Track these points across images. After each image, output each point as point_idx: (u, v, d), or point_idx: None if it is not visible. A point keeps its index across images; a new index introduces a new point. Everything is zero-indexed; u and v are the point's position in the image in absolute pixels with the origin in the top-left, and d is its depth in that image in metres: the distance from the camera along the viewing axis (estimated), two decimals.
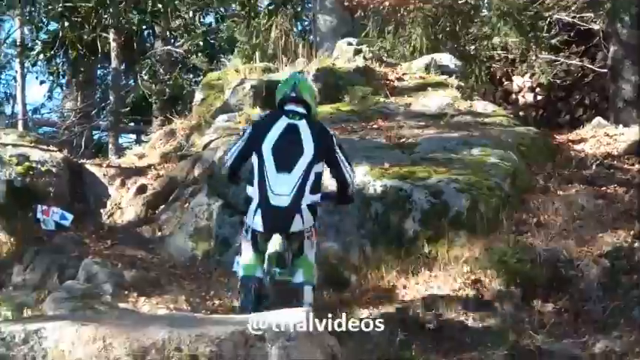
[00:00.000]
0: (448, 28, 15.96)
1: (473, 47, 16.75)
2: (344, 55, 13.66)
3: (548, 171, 9.72)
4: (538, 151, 10.46)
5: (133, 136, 25.84)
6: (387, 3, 15.72)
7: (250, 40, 16.94)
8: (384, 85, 12.45)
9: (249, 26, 17.87)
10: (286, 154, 6.69)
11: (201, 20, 22.54)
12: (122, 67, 20.67)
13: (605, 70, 18.30)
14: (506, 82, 22.28)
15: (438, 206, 8.47)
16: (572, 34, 20.10)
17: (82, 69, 21.81)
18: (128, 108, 21.90)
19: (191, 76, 22.96)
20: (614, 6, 16.38)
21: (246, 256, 6.70)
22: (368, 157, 9.22)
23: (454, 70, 13.19)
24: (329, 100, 11.75)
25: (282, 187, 6.59)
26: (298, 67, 13.01)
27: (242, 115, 11.59)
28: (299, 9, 21.86)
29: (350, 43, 14.09)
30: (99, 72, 24.81)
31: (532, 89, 22.16)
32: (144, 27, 21.69)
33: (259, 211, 6.58)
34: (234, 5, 21.37)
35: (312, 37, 18.65)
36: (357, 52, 13.66)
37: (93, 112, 22.00)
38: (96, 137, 23.60)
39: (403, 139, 10.03)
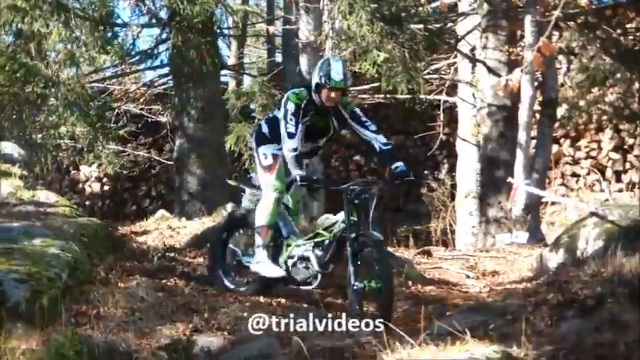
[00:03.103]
0: (14, 116, 15.69)
1: (40, 136, 16.58)
2: None
3: (109, 262, 9.74)
4: (100, 242, 10.40)
5: None
6: None
7: None
8: None
9: None
10: None
11: None
12: None
13: (172, 163, 18.86)
14: (73, 172, 22.26)
15: None
16: (140, 125, 20.61)
17: None
18: None
19: None
20: (180, 99, 16.98)
21: None
22: None
23: (17, 159, 12.94)
24: None
25: None
26: None
27: None
28: None
29: None
30: None
31: (99, 179, 22.30)
32: None
33: None
34: None
35: None
36: None
37: None
38: None
39: None
